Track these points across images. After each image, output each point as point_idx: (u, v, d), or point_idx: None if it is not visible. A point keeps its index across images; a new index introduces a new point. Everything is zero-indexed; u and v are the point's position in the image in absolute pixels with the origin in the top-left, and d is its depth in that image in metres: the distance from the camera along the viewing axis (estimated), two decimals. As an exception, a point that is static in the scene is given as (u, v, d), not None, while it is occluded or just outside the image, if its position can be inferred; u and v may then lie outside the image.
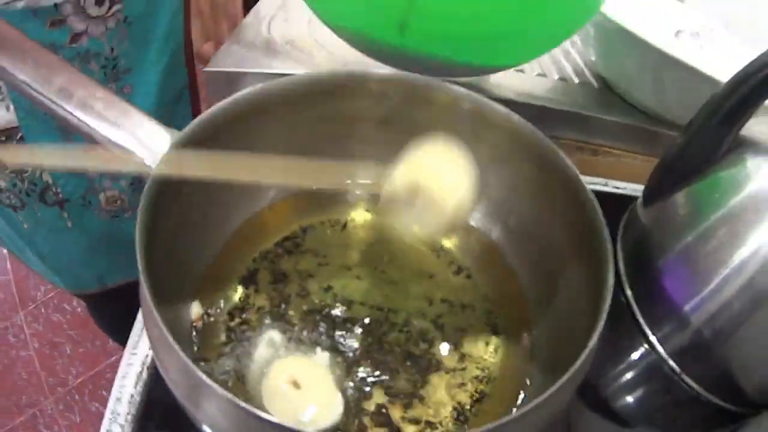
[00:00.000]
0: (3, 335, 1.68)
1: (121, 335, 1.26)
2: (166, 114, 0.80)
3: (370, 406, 0.44)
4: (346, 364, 0.46)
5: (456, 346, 0.49)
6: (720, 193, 0.53)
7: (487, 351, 0.49)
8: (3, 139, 0.70)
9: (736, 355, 0.52)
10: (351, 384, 0.45)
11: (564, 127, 0.69)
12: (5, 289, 1.78)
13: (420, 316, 0.50)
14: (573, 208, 0.46)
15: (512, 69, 0.75)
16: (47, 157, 0.40)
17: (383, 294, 0.51)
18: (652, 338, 0.56)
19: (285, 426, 0.30)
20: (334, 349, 0.47)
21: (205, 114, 0.45)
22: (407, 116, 0.54)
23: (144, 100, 0.75)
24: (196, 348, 0.46)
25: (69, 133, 0.72)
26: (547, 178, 0.49)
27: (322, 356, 0.46)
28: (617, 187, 0.71)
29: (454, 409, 0.45)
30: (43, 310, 1.74)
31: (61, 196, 0.79)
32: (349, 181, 0.47)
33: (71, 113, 0.43)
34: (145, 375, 0.49)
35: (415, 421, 0.44)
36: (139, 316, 0.52)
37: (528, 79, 0.75)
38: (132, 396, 0.48)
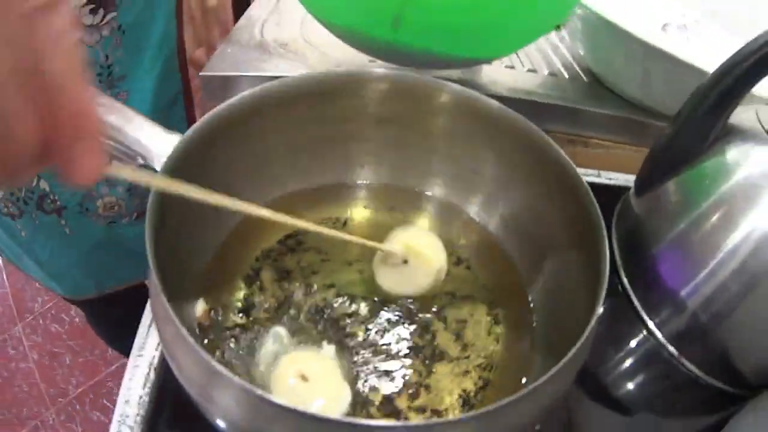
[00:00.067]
0: (2, 348, 1.68)
1: (120, 342, 1.26)
2: (161, 120, 0.79)
3: (377, 397, 0.45)
4: (351, 357, 0.47)
5: (458, 335, 0.49)
6: (710, 180, 0.54)
7: (489, 340, 0.49)
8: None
9: (732, 337, 0.53)
10: (357, 376, 0.45)
11: (555, 121, 0.70)
12: (2, 301, 1.78)
13: (422, 308, 0.51)
14: (568, 198, 0.47)
15: (503, 66, 0.77)
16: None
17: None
18: (650, 324, 0.57)
19: (303, 412, 0.31)
20: (340, 342, 0.47)
21: (206, 117, 0.45)
22: (403, 115, 0.55)
23: (139, 107, 0.74)
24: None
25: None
26: (542, 169, 0.50)
27: (329, 349, 0.46)
28: (609, 178, 0.72)
29: (460, 396, 0.45)
30: (41, 321, 1.74)
31: (58, 203, 0.79)
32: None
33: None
34: (152, 376, 0.49)
35: (422, 410, 0.44)
36: (145, 318, 0.52)
37: (519, 75, 0.76)
38: (140, 397, 0.48)
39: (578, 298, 0.44)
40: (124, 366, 1.44)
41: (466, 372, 0.47)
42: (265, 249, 0.53)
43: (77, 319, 1.73)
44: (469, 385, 0.46)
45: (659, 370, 0.58)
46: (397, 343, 0.48)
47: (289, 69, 0.69)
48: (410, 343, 0.48)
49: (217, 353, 0.46)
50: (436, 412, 0.44)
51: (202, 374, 0.34)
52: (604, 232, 0.42)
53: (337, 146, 0.56)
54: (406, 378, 0.46)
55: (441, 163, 0.58)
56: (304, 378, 0.43)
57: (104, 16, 0.66)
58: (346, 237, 0.49)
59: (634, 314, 0.58)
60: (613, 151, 0.75)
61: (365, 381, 0.45)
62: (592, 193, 0.44)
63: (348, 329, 0.48)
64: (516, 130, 0.51)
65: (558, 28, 0.87)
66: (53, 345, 1.69)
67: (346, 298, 0.51)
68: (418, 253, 0.51)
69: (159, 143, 0.44)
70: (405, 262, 0.51)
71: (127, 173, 0.36)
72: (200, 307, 0.47)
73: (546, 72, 0.78)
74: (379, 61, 0.64)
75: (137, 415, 0.47)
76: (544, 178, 0.50)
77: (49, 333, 1.72)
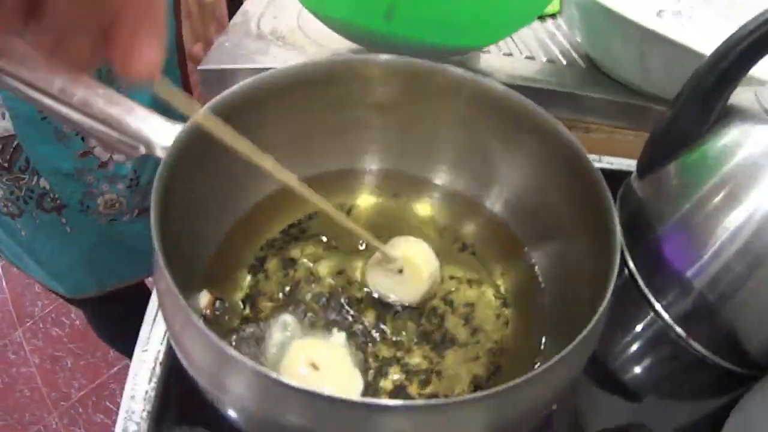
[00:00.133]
0: (2, 353, 1.68)
1: (121, 342, 1.26)
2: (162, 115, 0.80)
3: (388, 384, 0.44)
4: (361, 344, 0.46)
5: (467, 320, 0.49)
6: (712, 161, 0.54)
7: (498, 323, 0.49)
8: (0, 146, 0.70)
9: (739, 316, 0.53)
10: (368, 363, 0.45)
11: (555, 107, 0.69)
12: (2, 306, 1.78)
13: (430, 294, 0.50)
14: (576, 180, 0.47)
15: (501, 53, 0.77)
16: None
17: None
18: (657, 306, 0.57)
19: (324, 394, 0.30)
20: (349, 329, 0.47)
21: (207, 106, 0.45)
22: (407, 100, 0.55)
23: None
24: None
25: (67, 139, 0.73)
26: (548, 153, 0.50)
27: (339, 336, 0.46)
28: (611, 163, 0.72)
29: (471, 382, 0.45)
30: (41, 325, 1.73)
31: (59, 201, 0.79)
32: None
33: (73, 113, 0.43)
34: (158, 370, 0.49)
35: (434, 397, 0.44)
36: (149, 313, 0.52)
37: (517, 62, 0.76)
38: (147, 392, 0.47)
39: (587, 281, 0.44)
40: (126, 367, 1.45)
41: (477, 357, 0.47)
42: (269, 239, 0.53)
43: (78, 322, 1.73)
44: (481, 370, 0.46)
45: (667, 352, 0.58)
46: (407, 329, 0.48)
47: (287, 60, 0.69)
48: (420, 329, 0.48)
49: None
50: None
51: (213, 361, 0.34)
52: (615, 212, 0.42)
53: (341, 133, 0.56)
54: (417, 364, 0.46)
55: (445, 148, 0.57)
56: (314, 366, 0.42)
57: None
58: (357, 229, 0.49)
59: (640, 297, 0.58)
60: (614, 136, 0.75)
61: (376, 368, 0.45)
62: (601, 175, 0.44)
63: (356, 316, 0.48)
64: (521, 113, 0.50)
65: (554, 15, 0.88)
66: (54, 349, 1.69)
67: (352, 285, 0.51)
68: (415, 264, 0.50)
69: (161, 132, 0.43)
70: (400, 271, 0.50)
71: (176, 96, 0.36)
72: (204, 297, 0.47)
73: (544, 59, 0.78)
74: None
75: (143, 410, 0.47)
76: (549, 162, 0.50)
77: (50, 337, 1.71)
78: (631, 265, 0.60)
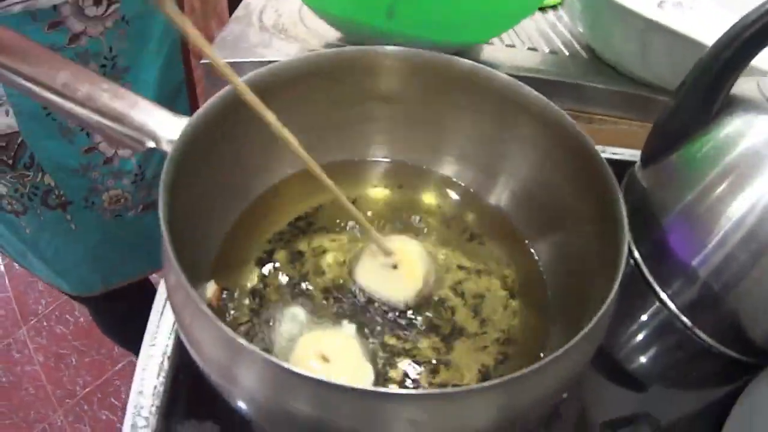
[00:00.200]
0: (6, 352, 1.68)
1: (126, 338, 1.26)
2: (166, 110, 0.81)
3: (398, 374, 0.44)
4: (370, 335, 0.46)
5: (476, 311, 0.49)
6: (715, 150, 0.54)
7: (506, 314, 0.49)
8: (3, 143, 0.70)
9: (744, 305, 0.53)
10: (377, 354, 0.45)
11: (558, 97, 0.68)
12: (5, 305, 1.78)
13: (438, 284, 0.51)
14: (582, 171, 0.47)
15: (504, 45, 0.77)
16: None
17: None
18: (663, 295, 0.57)
19: (334, 383, 0.30)
20: (358, 320, 0.47)
21: (214, 98, 0.45)
22: (413, 92, 0.55)
23: (144, 97, 0.75)
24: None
25: (72, 134, 0.73)
26: (553, 142, 0.50)
27: (349, 328, 0.46)
28: (615, 153, 0.72)
29: (479, 371, 0.45)
30: (45, 323, 1.73)
31: (64, 198, 0.79)
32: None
33: (78, 108, 0.44)
34: (166, 365, 0.48)
35: (443, 386, 0.44)
36: (156, 307, 0.52)
37: (520, 53, 0.76)
38: (155, 387, 0.47)
39: (594, 271, 0.44)
40: (131, 364, 1.45)
41: (485, 347, 0.47)
42: (277, 231, 0.53)
43: (82, 320, 1.73)
44: (488, 360, 0.46)
45: (672, 341, 0.58)
46: (416, 320, 0.48)
47: (289, 53, 0.69)
48: (429, 320, 0.48)
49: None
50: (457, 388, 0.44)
51: (224, 353, 0.34)
52: (622, 202, 0.42)
53: (346, 125, 0.56)
54: (426, 355, 0.46)
55: (451, 139, 0.57)
56: (324, 358, 0.42)
57: (108, 8, 0.67)
58: (359, 218, 0.49)
59: (646, 286, 0.59)
60: (618, 127, 0.75)
61: (386, 359, 0.45)
62: (607, 164, 0.44)
63: (365, 308, 0.48)
64: (526, 104, 0.50)
65: (555, 7, 0.88)
66: (59, 346, 1.69)
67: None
68: (411, 261, 0.50)
69: (167, 126, 0.43)
70: (395, 267, 0.50)
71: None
72: (210, 288, 0.47)
73: (546, 50, 0.78)
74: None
75: (152, 405, 0.46)
76: (556, 152, 0.50)
77: (54, 334, 1.71)
78: (637, 254, 0.60)
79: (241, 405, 0.36)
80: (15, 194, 0.77)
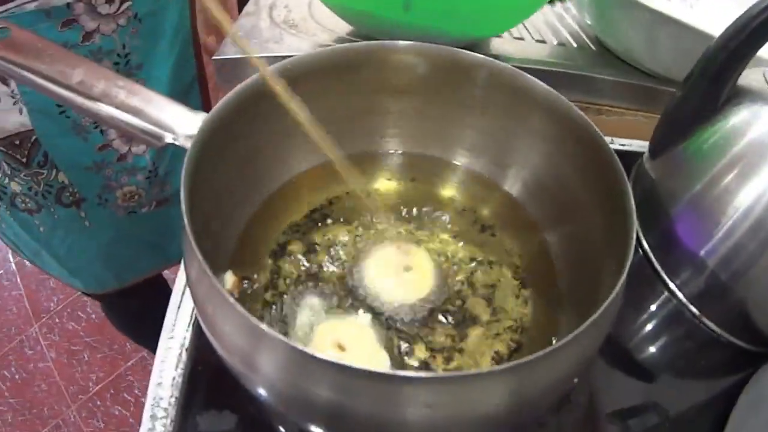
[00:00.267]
0: (19, 349, 1.69)
1: (139, 334, 1.27)
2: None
3: (413, 361, 0.45)
4: (386, 324, 0.47)
5: (488, 300, 0.50)
6: (723, 140, 0.54)
7: (517, 303, 0.50)
8: (17, 142, 0.71)
9: (752, 294, 0.54)
10: (393, 342, 0.46)
11: (567, 89, 0.69)
12: (17, 302, 1.79)
13: (451, 274, 0.51)
14: (591, 161, 0.47)
15: (513, 37, 0.78)
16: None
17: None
18: (672, 285, 0.58)
19: (353, 367, 0.31)
20: (373, 310, 0.48)
21: (231, 94, 0.46)
22: (426, 85, 0.55)
23: (156, 94, 0.76)
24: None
25: (85, 132, 0.73)
26: (562, 133, 0.51)
27: (365, 317, 0.47)
28: (623, 145, 0.72)
29: (493, 358, 0.46)
30: (57, 320, 1.75)
31: (78, 195, 0.80)
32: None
33: (95, 105, 0.44)
34: (184, 357, 0.49)
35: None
36: (173, 300, 0.53)
37: (529, 45, 0.77)
38: (174, 378, 0.48)
39: (604, 261, 0.45)
40: (143, 360, 1.46)
41: (498, 335, 0.48)
42: (292, 223, 0.54)
43: (94, 316, 1.74)
44: (502, 347, 0.47)
45: (681, 331, 0.59)
46: (430, 309, 0.49)
47: (300, 48, 0.70)
48: (442, 309, 0.49)
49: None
50: (471, 374, 0.45)
51: (247, 340, 0.34)
52: (630, 191, 0.42)
53: (361, 117, 0.57)
54: (441, 342, 0.47)
55: (462, 131, 0.58)
56: (341, 347, 0.43)
57: (120, 6, 0.67)
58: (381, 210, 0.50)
59: (654, 276, 0.59)
60: (626, 118, 0.75)
61: (401, 347, 0.46)
62: (615, 154, 0.45)
63: (380, 298, 0.49)
64: (535, 96, 0.51)
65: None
66: (71, 343, 1.70)
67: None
68: (423, 267, 0.51)
69: (184, 121, 0.44)
70: (407, 269, 0.50)
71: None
72: (230, 279, 0.48)
73: (554, 42, 0.78)
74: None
75: (171, 396, 0.47)
76: (565, 143, 0.51)
77: (67, 331, 1.73)
78: (645, 245, 0.60)
79: (262, 392, 0.37)
80: (29, 192, 0.78)
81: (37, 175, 0.76)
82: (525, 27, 0.80)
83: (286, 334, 0.46)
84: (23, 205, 0.80)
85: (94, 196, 0.82)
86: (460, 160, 0.59)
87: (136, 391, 1.60)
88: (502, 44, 0.75)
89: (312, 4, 0.77)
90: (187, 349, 0.50)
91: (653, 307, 0.59)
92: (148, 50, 0.74)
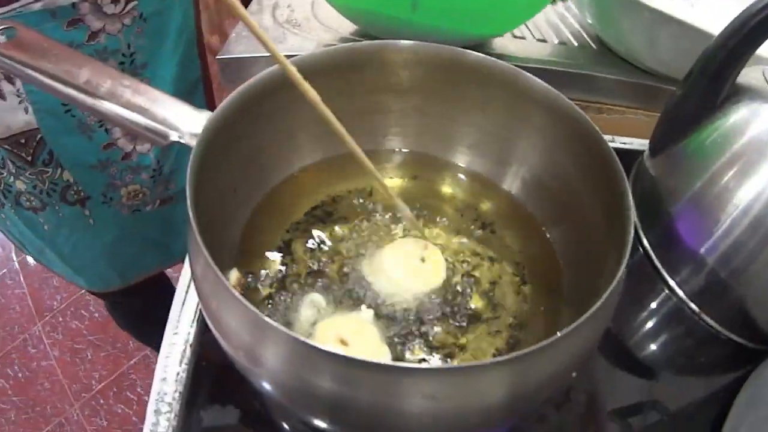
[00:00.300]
0: (22, 347, 1.70)
1: (142, 332, 1.27)
2: (182, 106, 0.82)
3: (414, 357, 0.46)
4: (387, 320, 0.48)
5: (488, 297, 0.50)
6: (722, 138, 0.55)
7: (517, 299, 0.50)
8: (23, 140, 0.71)
9: (752, 292, 0.55)
10: (394, 338, 0.46)
11: (568, 88, 0.69)
12: (20, 301, 1.79)
13: (452, 271, 0.52)
14: (590, 159, 0.48)
15: (514, 36, 0.78)
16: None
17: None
18: (672, 283, 0.58)
19: (356, 358, 0.31)
20: (375, 306, 0.48)
21: (235, 93, 0.46)
22: (428, 84, 0.56)
23: (161, 93, 0.76)
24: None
25: (90, 131, 0.74)
26: (562, 132, 0.51)
27: (368, 313, 0.47)
28: (624, 143, 0.73)
29: (493, 355, 0.46)
30: (60, 319, 1.75)
31: (82, 193, 0.81)
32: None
33: (100, 104, 0.45)
34: (188, 353, 0.50)
35: (458, 367, 0.45)
36: (177, 297, 0.53)
37: (530, 44, 0.77)
38: (178, 374, 0.48)
39: (603, 258, 0.45)
40: (146, 358, 1.47)
41: (498, 332, 0.48)
42: (294, 221, 0.54)
43: (97, 314, 1.75)
44: (502, 344, 0.47)
45: (681, 328, 0.59)
46: (431, 306, 0.49)
47: (303, 47, 0.71)
48: (443, 306, 0.49)
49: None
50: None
51: (252, 334, 0.35)
52: (628, 189, 0.42)
53: (363, 116, 0.57)
54: (441, 339, 0.47)
55: (463, 130, 0.58)
56: (343, 342, 0.43)
57: (126, 5, 0.68)
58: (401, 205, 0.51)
59: (655, 274, 0.60)
60: (627, 117, 0.76)
61: (402, 343, 0.46)
62: (614, 152, 0.45)
63: (382, 294, 0.49)
64: (535, 94, 0.51)
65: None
66: (74, 341, 1.71)
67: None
68: (438, 258, 0.52)
69: (189, 120, 0.45)
70: (422, 260, 0.51)
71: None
72: (234, 275, 0.48)
73: (556, 41, 0.79)
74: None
75: (175, 391, 0.48)
76: (564, 141, 0.51)
77: (70, 329, 1.73)
78: (646, 242, 0.61)
79: (266, 385, 0.37)
80: (34, 191, 0.78)
81: (42, 174, 0.76)
82: (526, 26, 0.81)
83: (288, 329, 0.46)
84: (28, 203, 0.80)
85: (99, 195, 0.82)
86: (461, 158, 0.60)
87: (139, 390, 1.60)
88: (503, 43, 0.75)
89: (315, 3, 0.78)
90: (191, 345, 0.50)
91: (653, 305, 0.60)
92: (153, 50, 0.74)
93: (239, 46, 0.70)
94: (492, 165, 0.59)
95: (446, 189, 0.59)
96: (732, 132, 0.54)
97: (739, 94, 0.55)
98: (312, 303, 0.48)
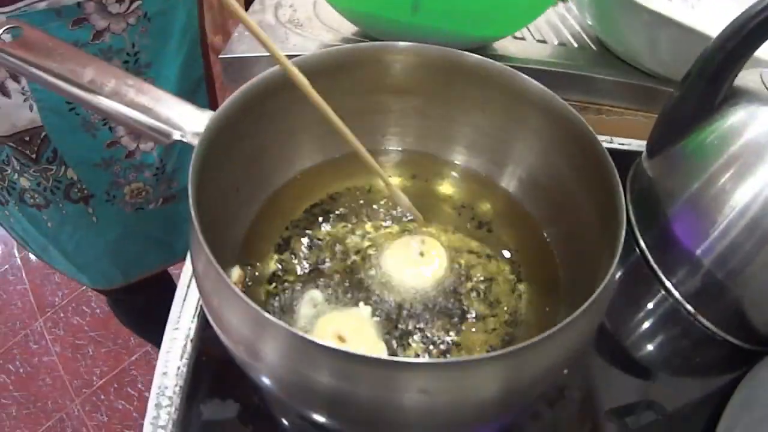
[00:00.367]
0: (24, 343, 1.70)
1: (144, 329, 1.28)
2: (186, 104, 0.82)
3: (411, 353, 0.46)
4: (385, 317, 0.48)
5: (485, 294, 0.51)
6: (720, 140, 0.55)
7: (513, 297, 0.51)
8: (27, 138, 0.72)
9: (747, 293, 0.55)
10: (391, 335, 0.47)
11: (567, 89, 0.71)
12: (22, 297, 1.80)
13: (448, 269, 0.52)
14: (585, 159, 0.48)
15: (514, 38, 0.79)
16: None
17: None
18: (668, 284, 0.59)
19: (353, 353, 0.32)
20: (373, 303, 0.49)
21: (237, 93, 0.47)
22: (427, 85, 0.56)
23: (164, 92, 0.76)
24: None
25: (94, 129, 0.74)
26: (558, 132, 0.52)
27: (365, 309, 0.48)
28: (622, 144, 0.73)
29: (488, 352, 0.47)
30: (62, 315, 1.76)
31: (86, 191, 0.81)
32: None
33: (104, 102, 0.45)
34: (189, 348, 0.50)
35: (454, 364, 0.46)
36: (179, 292, 0.54)
37: (530, 45, 0.78)
38: (179, 368, 0.49)
39: (598, 253, 0.45)
40: (147, 354, 1.47)
41: (493, 329, 0.49)
42: (295, 219, 0.55)
43: (98, 311, 1.75)
44: (497, 341, 0.48)
45: (677, 329, 0.60)
46: (428, 303, 0.50)
47: (305, 47, 0.71)
48: (440, 304, 0.50)
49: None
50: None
51: (252, 329, 0.35)
52: (620, 185, 0.43)
53: (363, 116, 0.58)
54: (437, 336, 0.48)
55: (461, 130, 0.59)
56: (341, 339, 0.44)
57: (130, 5, 0.68)
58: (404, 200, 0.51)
59: (651, 275, 0.60)
60: (625, 118, 0.76)
61: (399, 340, 0.47)
62: (608, 154, 0.45)
63: (379, 292, 0.50)
64: (531, 96, 0.52)
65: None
66: (75, 337, 1.71)
67: (375, 262, 0.52)
68: (441, 252, 0.52)
69: (192, 119, 0.45)
70: (421, 254, 0.52)
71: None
72: (235, 273, 0.49)
73: (555, 42, 0.79)
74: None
75: (176, 386, 0.48)
76: (560, 142, 0.52)
77: (71, 325, 1.74)
78: (642, 244, 0.61)
79: (265, 380, 0.38)
80: (38, 188, 0.78)
81: (46, 171, 0.77)
82: (526, 27, 0.81)
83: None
84: (32, 200, 0.80)
85: (102, 193, 0.83)
86: (459, 158, 0.61)
87: (140, 386, 1.61)
88: (503, 44, 0.76)
89: (317, 3, 0.78)
90: (191, 340, 0.51)
91: (650, 306, 0.60)
92: (157, 49, 0.75)
93: (242, 46, 0.70)
94: (489, 165, 0.59)
95: (444, 188, 0.60)
96: (729, 134, 0.54)
97: (737, 96, 0.56)
98: (311, 300, 0.48)
